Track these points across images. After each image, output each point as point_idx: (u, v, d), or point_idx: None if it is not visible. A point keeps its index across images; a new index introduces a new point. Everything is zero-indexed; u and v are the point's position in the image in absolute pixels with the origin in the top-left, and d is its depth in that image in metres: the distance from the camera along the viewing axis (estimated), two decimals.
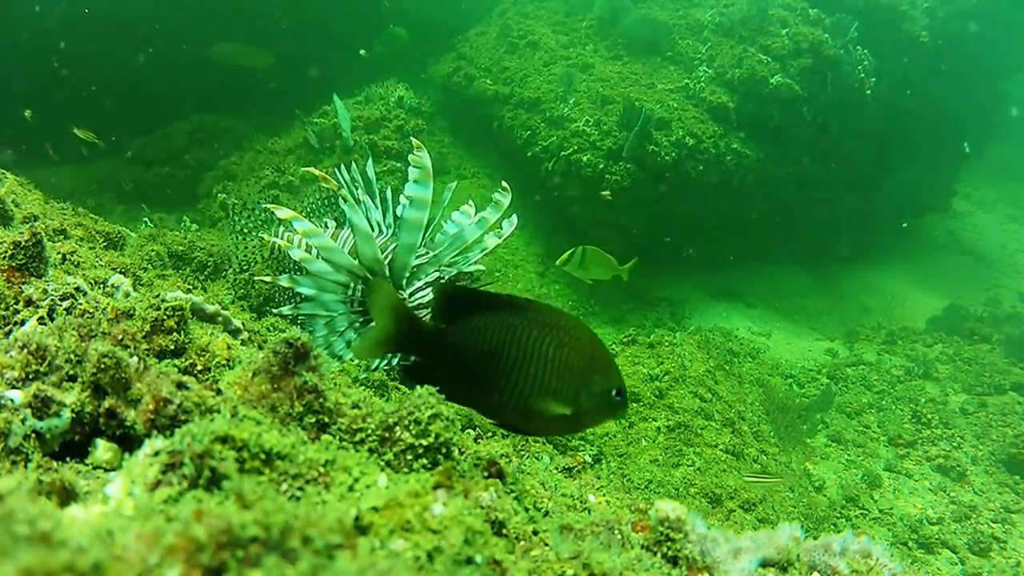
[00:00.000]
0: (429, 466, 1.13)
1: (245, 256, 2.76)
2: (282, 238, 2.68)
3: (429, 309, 2.47)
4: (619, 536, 1.20)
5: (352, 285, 2.35)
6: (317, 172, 2.11)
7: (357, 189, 2.63)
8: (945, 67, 10.46)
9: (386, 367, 2.49)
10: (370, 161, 2.73)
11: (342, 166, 2.62)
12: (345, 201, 2.13)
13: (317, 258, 2.24)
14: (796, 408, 7.06)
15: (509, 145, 9.38)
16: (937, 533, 5.92)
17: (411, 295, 2.43)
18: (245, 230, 2.88)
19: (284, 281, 2.27)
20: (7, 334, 1.46)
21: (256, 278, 2.58)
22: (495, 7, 11.49)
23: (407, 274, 2.36)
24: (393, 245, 2.40)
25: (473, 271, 2.76)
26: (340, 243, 2.50)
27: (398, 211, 2.66)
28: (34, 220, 2.68)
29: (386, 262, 2.33)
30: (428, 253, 2.41)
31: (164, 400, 1.11)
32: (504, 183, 2.45)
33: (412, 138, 2.25)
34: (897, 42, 10.04)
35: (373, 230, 2.43)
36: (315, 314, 2.34)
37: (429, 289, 2.45)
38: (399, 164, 8.22)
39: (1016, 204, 14.35)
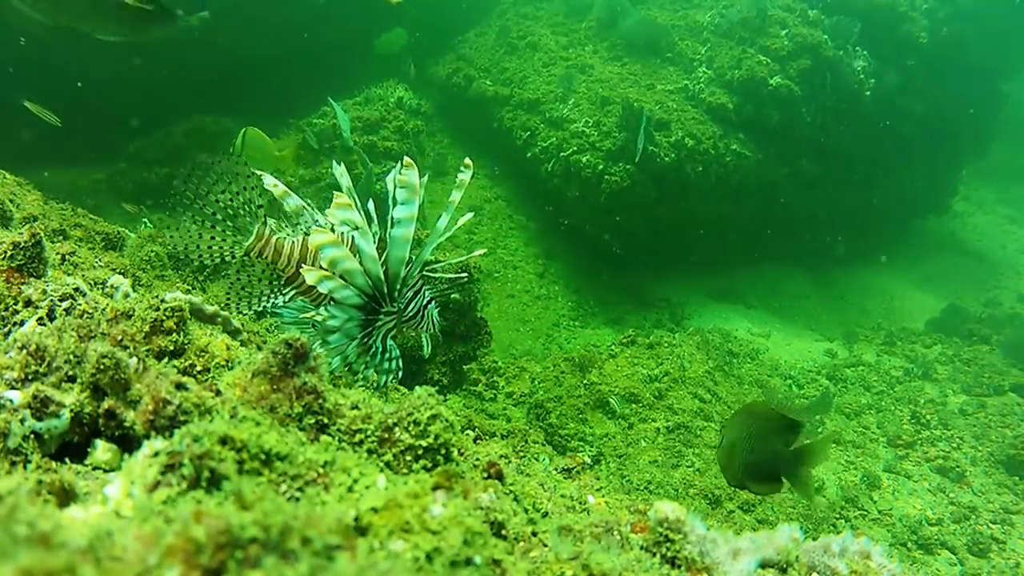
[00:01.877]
0: (428, 467, 1.13)
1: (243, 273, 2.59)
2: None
3: (417, 320, 2.48)
4: (618, 537, 1.20)
5: (366, 306, 2.34)
6: (344, 200, 2.10)
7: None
8: (945, 68, 10.48)
9: (394, 376, 2.49)
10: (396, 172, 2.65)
11: (342, 164, 2.57)
12: (358, 228, 2.13)
13: (345, 284, 2.23)
14: (795, 409, 7.06)
15: (509, 146, 9.39)
16: (936, 534, 5.92)
17: (406, 307, 2.44)
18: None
19: (321, 317, 2.25)
20: (6, 335, 1.46)
21: (304, 316, 2.45)
22: (494, 8, 11.50)
23: (398, 285, 2.37)
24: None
25: (454, 276, 2.76)
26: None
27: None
28: (33, 220, 2.68)
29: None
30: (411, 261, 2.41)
31: (163, 401, 1.11)
32: (467, 159, 2.43)
33: (405, 156, 2.24)
34: (896, 43, 10.05)
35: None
36: (340, 346, 2.33)
37: (415, 300, 2.46)
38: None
39: (1016, 205, 14.36)
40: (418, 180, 2.18)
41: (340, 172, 2.43)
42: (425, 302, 2.50)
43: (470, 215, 2.59)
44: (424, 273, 2.49)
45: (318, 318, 2.24)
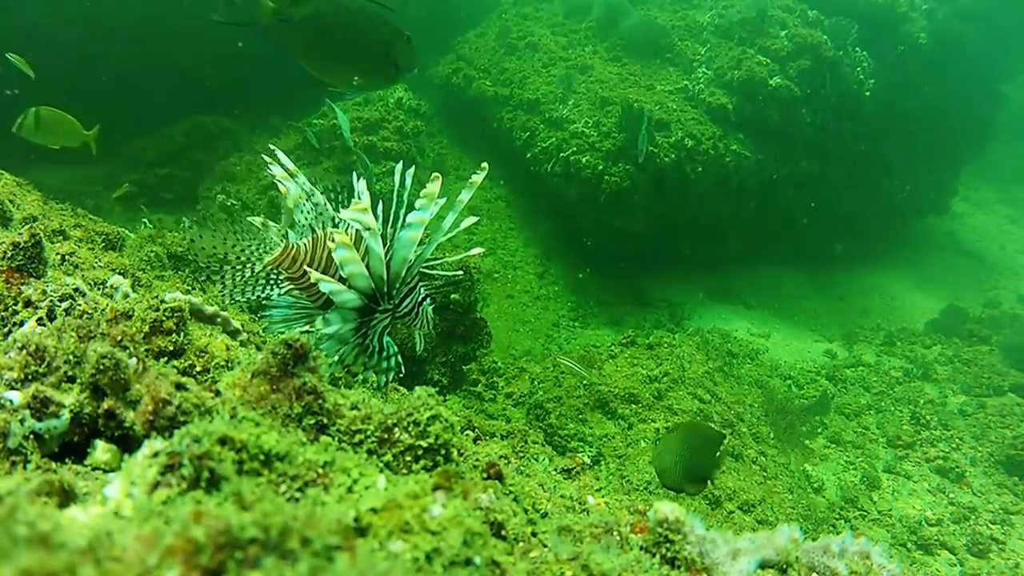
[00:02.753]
0: (428, 467, 1.13)
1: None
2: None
3: (411, 317, 2.49)
4: (618, 537, 1.20)
5: (364, 308, 2.33)
6: (363, 205, 2.09)
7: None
8: (944, 68, 10.49)
9: (395, 374, 2.48)
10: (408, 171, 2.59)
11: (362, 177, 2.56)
12: (369, 229, 2.13)
13: (347, 287, 2.22)
14: (795, 409, 7.07)
15: (508, 146, 9.39)
16: (936, 534, 5.92)
17: (400, 303, 2.44)
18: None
19: (320, 324, 2.24)
20: (6, 335, 1.46)
21: (301, 330, 2.40)
22: (494, 8, 11.50)
23: (398, 284, 2.37)
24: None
25: (451, 275, 2.76)
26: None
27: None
28: (33, 221, 2.68)
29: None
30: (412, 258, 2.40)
31: (163, 401, 1.11)
32: (484, 164, 2.43)
33: (435, 173, 2.24)
34: (896, 43, 10.06)
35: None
36: (336, 351, 2.32)
37: (410, 297, 2.46)
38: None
39: (1015, 205, 14.38)
40: (438, 190, 2.19)
41: (361, 187, 2.44)
42: (420, 299, 2.49)
43: (475, 219, 2.59)
44: (421, 270, 2.49)
45: (319, 326, 2.24)
